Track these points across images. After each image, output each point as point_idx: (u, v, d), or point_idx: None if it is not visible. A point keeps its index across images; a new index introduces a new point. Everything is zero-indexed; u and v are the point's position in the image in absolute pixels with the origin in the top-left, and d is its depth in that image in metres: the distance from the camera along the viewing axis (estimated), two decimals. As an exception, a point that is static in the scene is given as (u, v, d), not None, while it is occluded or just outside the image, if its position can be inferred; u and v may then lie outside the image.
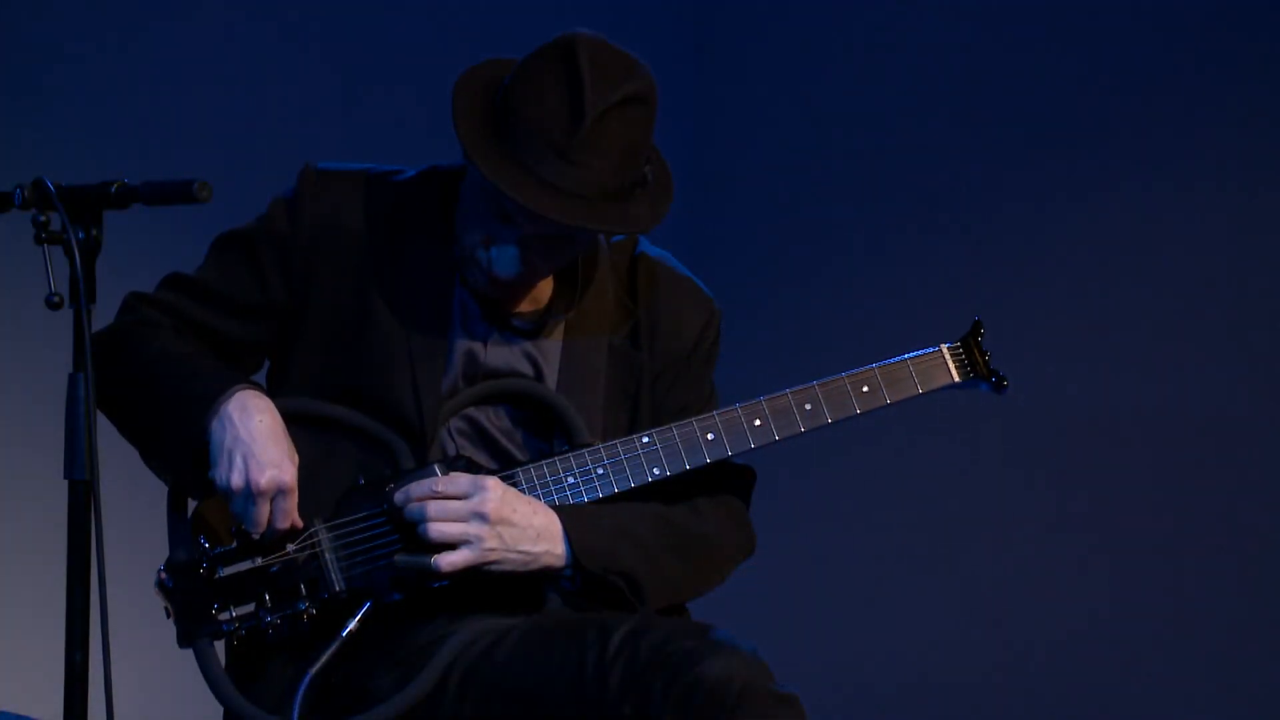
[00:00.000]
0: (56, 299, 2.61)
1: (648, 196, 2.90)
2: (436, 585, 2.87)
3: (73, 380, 2.64)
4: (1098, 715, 5.10)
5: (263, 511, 2.85)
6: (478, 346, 2.99)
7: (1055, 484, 5.16)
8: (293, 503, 2.86)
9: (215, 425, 2.86)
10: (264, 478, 2.83)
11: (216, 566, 2.88)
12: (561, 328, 3.01)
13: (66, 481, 2.66)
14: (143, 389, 2.92)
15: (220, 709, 2.89)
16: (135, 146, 4.66)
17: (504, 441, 2.99)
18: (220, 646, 2.89)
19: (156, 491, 2.98)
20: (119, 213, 2.68)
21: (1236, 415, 4.93)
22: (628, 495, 2.96)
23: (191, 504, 2.95)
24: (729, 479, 3.08)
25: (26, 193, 2.65)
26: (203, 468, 2.89)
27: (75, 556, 2.65)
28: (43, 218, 2.63)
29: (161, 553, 2.91)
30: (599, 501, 2.95)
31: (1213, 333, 4.96)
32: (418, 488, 2.87)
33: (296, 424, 2.92)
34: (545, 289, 3.01)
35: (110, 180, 2.67)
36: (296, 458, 2.87)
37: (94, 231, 2.66)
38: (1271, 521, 4.89)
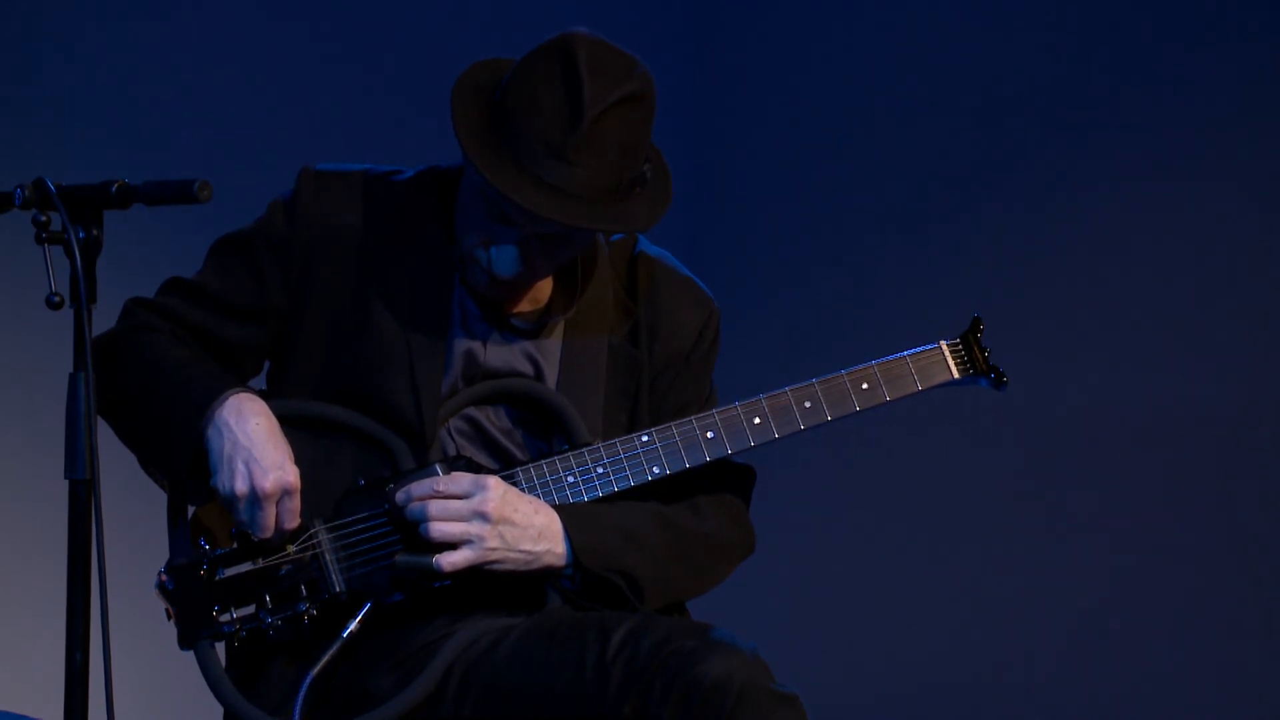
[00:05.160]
0: (57, 299, 2.61)
1: (646, 196, 2.91)
2: (438, 585, 2.87)
3: (73, 380, 2.64)
4: (1098, 715, 5.10)
5: (269, 515, 2.85)
6: (477, 346, 2.99)
7: (1056, 482, 5.16)
8: (297, 503, 2.86)
9: (212, 432, 2.86)
10: (268, 481, 2.83)
11: (217, 568, 2.88)
12: (561, 327, 3.02)
13: (67, 481, 2.66)
14: (139, 396, 2.92)
15: (221, 710, 2.90)
16: (135, 146, 4.66)
17: (504, 441, 2.99)
18: (221, 648, 2.89)
19: (157, 491, 2.98)
20: (119, 212, 2.68)
21: (1237, 414, 4.93)
22: (628, 494, 2.97)
23: (190, 507, 2.95)
24: (729, 478, 3.08)
25: (27, 192, 2.65)
26: (200, 474, 2.89)
27: (75, 556, 2.65)
28: (43, 217, 2.63)
29: (162, 553, 2.91)
30: (599, 500, 2.95)
31: (1214, 331, 4.95)
32: (419, 487, 2.87)
33: (295, 425, 2.92)
34: (545, 289, 3.01)
35: (110, 180, 2.67)
36: (292, 456, 2.88)
37: (94, 231, 2.66)
38: (1272, 521, 4.89)
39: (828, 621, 5.47)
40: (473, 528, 2.85)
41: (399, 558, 2.87)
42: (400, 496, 2.88)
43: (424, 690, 2.82)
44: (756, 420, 3.00)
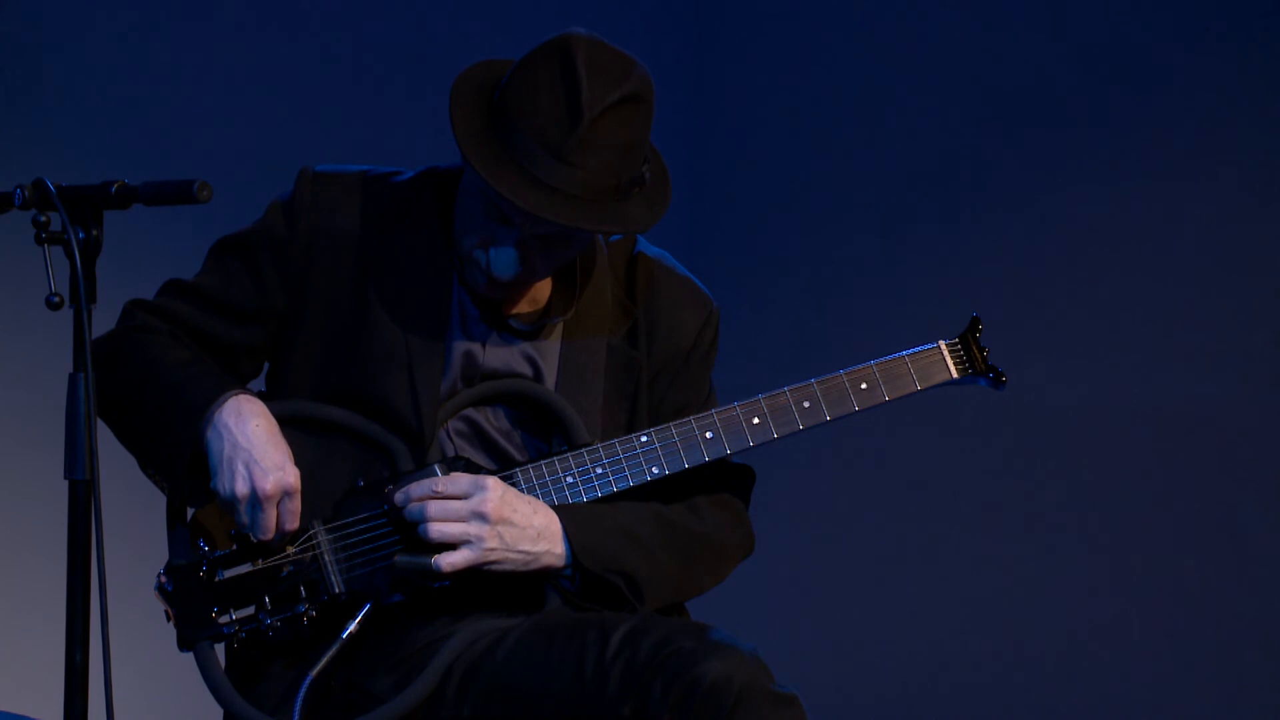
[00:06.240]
0: (57, 299, 2.61)
1: (645, 196, 2.90)
2: (437, 585, 2.88)
3: (73, 380, 2.64)
4: (1097, 715, 5.10)
5: (270, 517, 2.85)
6: (476, 348, 2.99)
7: (1055, 482, 5.16)
8: (298, 504, 2.86)
9: (211, 434, 2.86)
10: (269, 483, 2.83)
11: (216, 569, 2.88)
12: (560, 328, 3.01)
13: (66, 481, 2.66)
14: (138, 397, 2.92)
15: (220, 711, 2.90)
16: (135, 146, 4.66)
17: (503, 442, 2.99)
18: (220, 649, 2.89)
19: (156, 492, 2.99)
20: (119, 213, 2.68)
21: (1235, 414, 4.93)
22: (627, 495, 2.97)
23: (189, 508, 2.95)
24: (728, 478, 3.09)
25: (27, 193, 2.65)
26: (199, 475, 2.89)
27: (75, 556, 2.65)
28: (43, 218, 2.63)
29: (161, 553, 2.91)
30: (598, 501, 2.95)
31: (1213, 331, 4.96)
32: (418, 488, 2.87)
33: (294, 426, 2.92)
34: (544, 290, 3.01)
35: (110, 180, 2.67)
36: (292, 458, 2.88)
37: (94, 232, 2.66)
38: (1270, 521, 4.89)
39: (828, 621, 5.47)
40: (471, 528, 2.85)
41: (398, 558, 2.87)
42: (399, 497, 2.88)
43: (424, 691, 2.82)
44: (755, 420, 3.00)
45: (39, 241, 2.63)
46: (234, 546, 2.89)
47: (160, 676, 4.24)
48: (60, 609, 2.66)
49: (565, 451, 2.96)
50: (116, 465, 2.97)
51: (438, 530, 2.85)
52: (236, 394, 2.89)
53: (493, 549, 2.86)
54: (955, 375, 3.08)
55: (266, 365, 3.06)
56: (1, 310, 4.49)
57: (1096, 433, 5.09)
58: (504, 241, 2.88)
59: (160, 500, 2.94)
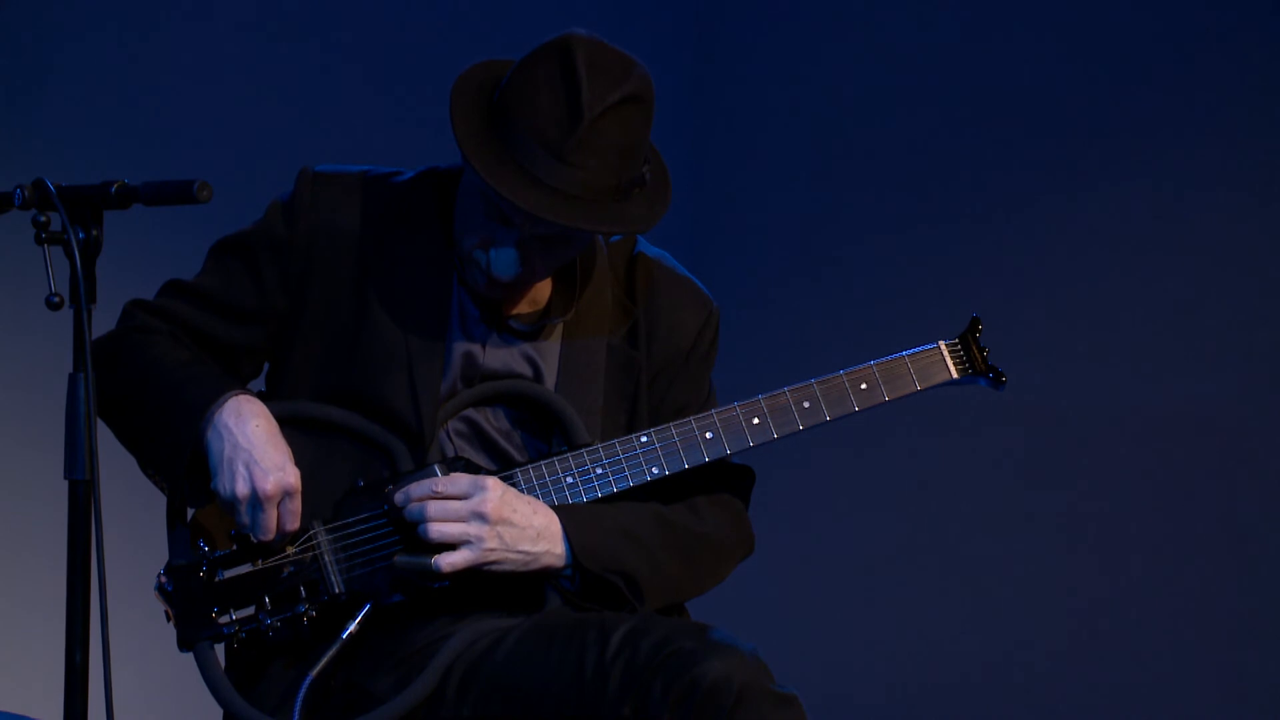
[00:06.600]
0: (57, 299, 2.61)
1: (645, 196, 2.90)
2: (437, 586, 2.88)
3: (73, 380, 2.64)
4: (1098, 715, 5.10)
5: (270, 517, 2.85)
6: (476, 348, 2.99)
7: (1055, 481, 5.16)
8: (298, 505, 2.86)
9: (211, 435, 2.87)
10: (269, 483, 2.83)
11: (216, 570, 2.88)
12: (560, 329, 3.02)
13: (66, 481, 2.66)
14: (138, 397, 2.92)
15: (220, 711, 2.90)
16: (135, 146, 4.66)
17: (502, 443, 2.99)
18: (220, 649, 2.89)
19: (157, 492, 2.99)
20: (119, 213, 2.68)
21: (1235, 414, 4.93)
22: (627, 495, 2.97)
23: (189, 509, 2.95)
24: (728, 478, 3.09)
25: (27, 193, 2.65)
26: (199, 475, 2.89)
27: (75, 556, 2.65)
28: (43, 218, 2.63)
29: (161, 553, 2.91)
30: (598, 501, 2.95)
31: (1213, 331, 4.95)
32: (417, 488, 2.87)
33: (294, 427, 2.92)
34: (544, 290, 3.01)
35: (110, 180, 2.67)
36: (292, 458, 2.88)
37: (94, 232, 2.66)
38: (1271, 521, 4.89)
39: (828, 622, 5.47)
40: (471, 528, 2.85)
41: (398, 558, 2.87)
42: (399, 497, 2.88)
43: (424, 690, 2.83)
44: (755, 421, 3.00)
45: (39, 241, 2.63)
46: (234, 547, 2.89)
47: (160, 676, 4.24)
48: (60, 609, 2.66)
49: (565, 452, 2.96)
50: (116, 465, 2.97)
51: (437, 530, 2.85)
52: (236, 394, 2.89)
53: (492, 549, 2.86)
54: (955, 375, 3.09)
55: (266, 365, 3.06)
56: (1, 310, 4.49)
57: (1096, 433, 5.09)
58: (504, 242, 2.88)
59: (160, 500, 2.95)
